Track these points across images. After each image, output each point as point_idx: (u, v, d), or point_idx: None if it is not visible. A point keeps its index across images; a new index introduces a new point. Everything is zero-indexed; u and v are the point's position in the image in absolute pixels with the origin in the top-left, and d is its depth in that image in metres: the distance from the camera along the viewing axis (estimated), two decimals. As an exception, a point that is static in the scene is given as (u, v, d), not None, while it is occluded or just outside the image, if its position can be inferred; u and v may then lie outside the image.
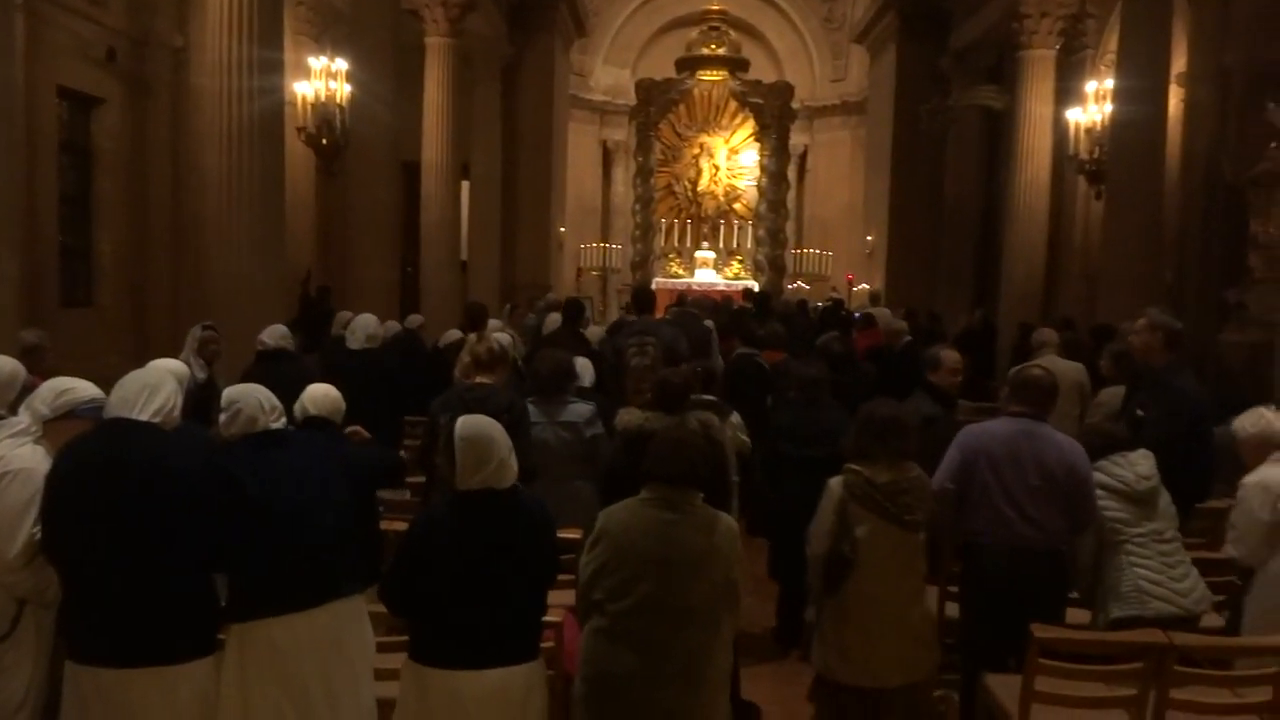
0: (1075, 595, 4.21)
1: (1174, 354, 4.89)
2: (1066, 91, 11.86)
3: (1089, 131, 10.90)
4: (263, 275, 7.29)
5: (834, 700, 3.72)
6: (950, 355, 5.22)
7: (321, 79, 10.56)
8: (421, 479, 4.91)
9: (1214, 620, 4.16)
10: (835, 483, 3.66)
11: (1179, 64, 9.66)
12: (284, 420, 3.22)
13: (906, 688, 3.66)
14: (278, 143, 7.61)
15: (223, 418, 3.15)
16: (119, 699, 2.81)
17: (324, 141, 10.62)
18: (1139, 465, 3.97)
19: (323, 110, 10.53)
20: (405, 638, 3.04)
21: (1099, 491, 3.96)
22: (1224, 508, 4.28)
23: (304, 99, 10.56)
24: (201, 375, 5.79)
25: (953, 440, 4.19)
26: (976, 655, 4.07)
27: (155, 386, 2.96)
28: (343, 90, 10.56)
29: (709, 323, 8.27)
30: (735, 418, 4.98)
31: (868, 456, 3.63)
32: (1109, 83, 10.14)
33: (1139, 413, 4.89)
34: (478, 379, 4.47)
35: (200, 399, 5.43)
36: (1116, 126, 9.27)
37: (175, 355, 5.36)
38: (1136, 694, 3.48)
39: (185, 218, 9.56)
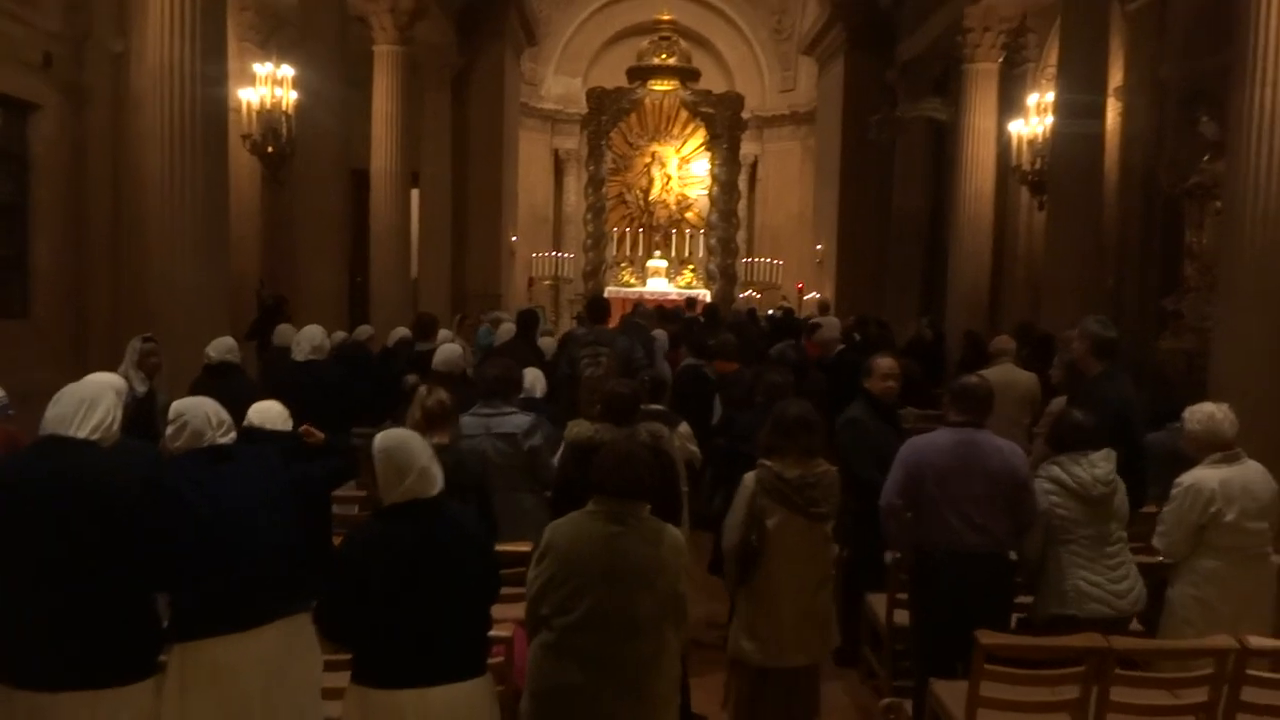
0: (1020, 600, 4.29)
1: (1105, 362, 4.98)
2: (1009, 104, 12.11)
3: (1031, 143, 11.14)
4: (206, 285, 7.17)
5: (745, 681, 3.97)
6: (883, 363, 5.22)
7: (267, 85, 10.42)
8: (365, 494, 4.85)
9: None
10: (749, 477, 3.89)
11: (1117, 78, 9.91)
12: (233, 435, 3.15)
13: (808, 668, 3.99)
14: (221, 150, 7.48)
15: (169, 430, 3.09)
16: None
17: (270, 149, 10.47)
18: (1098, 468, 4.02)
19: (268, 117, 10.38)
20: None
21: (1051, 486, 4.01)
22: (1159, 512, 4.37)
23: (249, 105, 10.41)
24: (142, 389, 5.66)
25: (895, 452, 4.24)
26: (927, 662, 4.11)
27: (93, 402, 2.89)
28: (289, 97, 10.42)
29: (657, 332, 8.29)
30: (684, 427, 5.02)
31: (778, 452, 3.86)
32: (1050, 96, 10.37)
33: None
34: (434, 440, 3.93)
35: (141, 413, 5.32)
36: (1057, 138, 9.47)
37: (115, 368, 5.23)
38: (1078, 697, 3.55)
39: (126, 226, 9.35)
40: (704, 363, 7.47)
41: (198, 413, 3.08)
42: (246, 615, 2.94)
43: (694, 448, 5.04)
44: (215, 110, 7.24)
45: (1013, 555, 4.25)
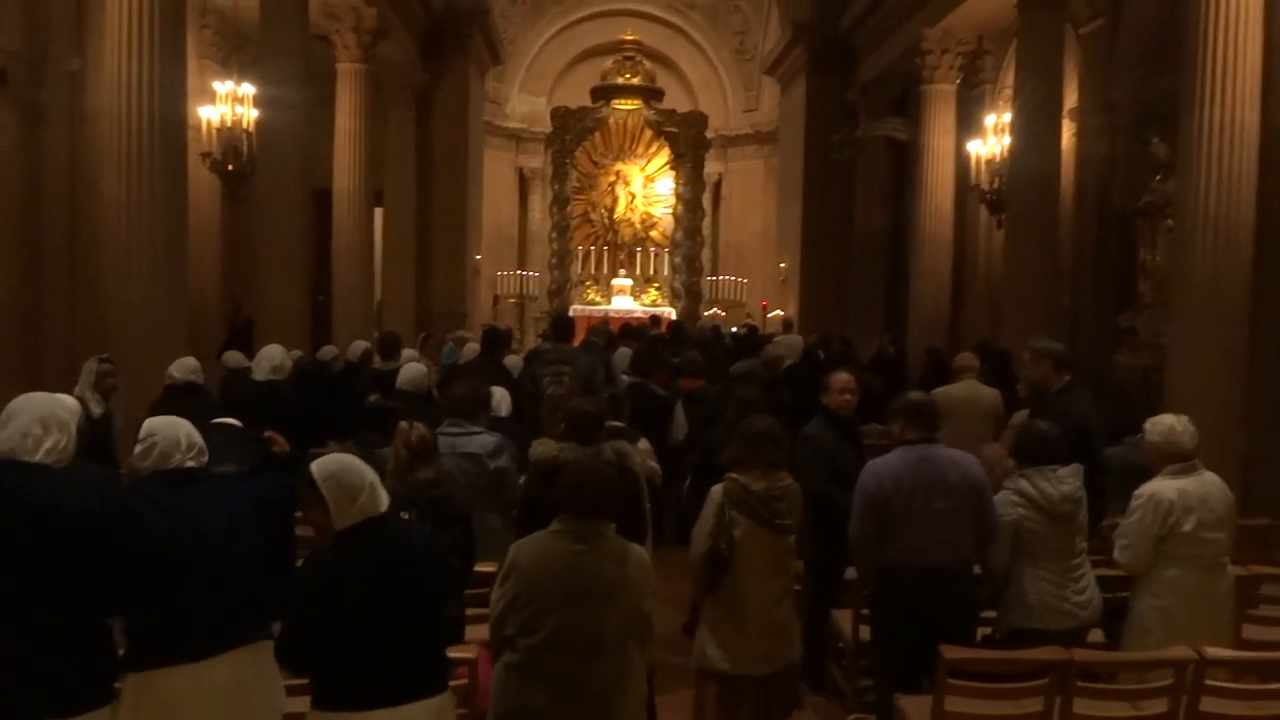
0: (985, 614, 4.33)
1: (1067, 375, 5.07)
2: (967, 124, 12.31)
3: (989, 163, 11.33)
4: (165, 305, 7.08)
5: (714, 688, 4.03)
6: (839, 378, 5.23)
7: (228, 103, 10.31)
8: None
9: (1096, 633, 4.30)
10: (716, 489, 3.97)
11: (1071, 99, 10.12)
12: (203, 459, 3.08)
13: (770, 677, 4.01)
14: (180, 168, 7.41)
15: (138, 449, 3.03)
16: None
17: (230, 167, 10.34)
18: (1065, 484, 4.06)
19: (229, 135, 10.27)
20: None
21: (1018, 499, 4.04)
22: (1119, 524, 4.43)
23: (209, 123, 10.29)
24: (98, 410, 5.57)
25: (854, 465, 4.26)
26: (891, 678, 4.13)
27: (45, 424, 2.83)
28: (250, 115, 10.33)
29: (622, 350, 8.30)
30: (644, 444, 5.08)
31: (744, 465, 3.95)
32: (1007, 116, 10.56)
33: None
34: (420, 474, 3.90)
35: (98, 435, 5.22)
36: (1014, 158, 9.66)
37: (71, 389, 5.14)
38: (1041, 710, 3.58)
39: (83, 246, 9.20)
40: (647, 380, 7.47)
41: (168, 434, 3.02)
42: (202, 645, 2.87)
43: (654, 464, 5.09)
44: (174, 128, 7.17)
45: (977, 569, 4.30)
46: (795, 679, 4.26)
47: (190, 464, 3.01)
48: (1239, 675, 3.82)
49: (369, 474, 2.88)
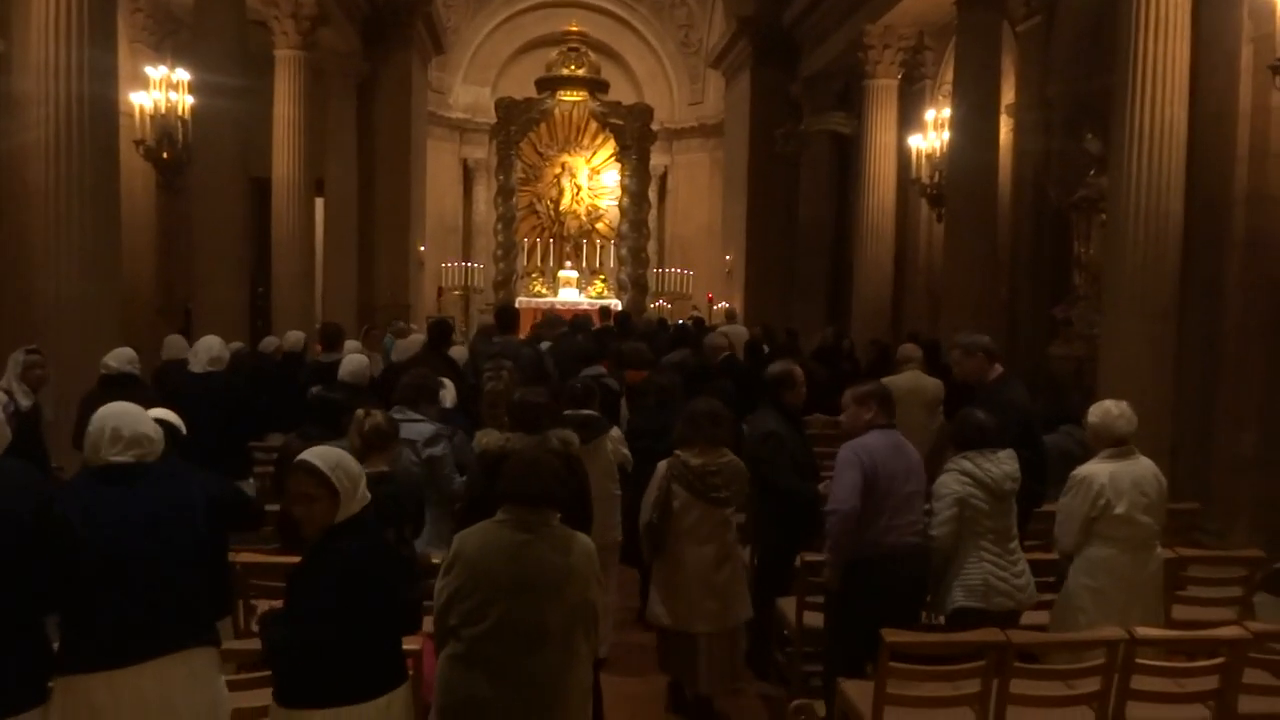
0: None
1: (998, 367, 5.18)
2: (909, 118, 12.49)
3: (929, 157, 11.51)
4: (96, 298, 6.87)
5: (660, 643, 4.64)
6: (797, 372, 5.25)
7: (161, 89, 10.05)
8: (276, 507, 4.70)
9: (1034, 614, 4.39)
10: (662, 465, 4.51)
11: (1009, 95, 10.32)
12: (144, 449, 2.92)
13: (713, 635, 4.50)
14: (112, 155, 7.20)
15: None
16: None
17: (165, 155, 10.09)
18: (1005, 465, 4.17)
19: (163, 122, 10.01)
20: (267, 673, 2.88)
21: (965, 478, 4.11)
22: (1054, 511, 4.54)
23: (142, 110, 10.02)
24: (26, 402, 5.40)
25: (808, 458, 4.30)
26: (845, 663, 4.15)
27: None
28: (184, 102, 10.08)
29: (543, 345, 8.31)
30: (615, 431, 5.17)
31: (687, 443, 4.44)
32: (946, 112, 10.74)
33: None
34: (371, 467, 3.75)
35: (26, 428, 5.07)
36: (953, 153, 9.82)
37: (-4, 383, 4.97)
38: (979, 690, 3.66)
39: (8, 237, 8.90)
40: (602, 372, 7.48)
41: (95, 427, 2.90)
42: (125, 652, 2.78)
43: (625, 451, 5.16)
44: (105, 114, 6.96)
45: None
46: (740, 641, 4.67)
47: (123, 458, 2.87)
48: (1168, 654, 3.95)
49: (357, 466, 2.87)
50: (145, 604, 2.80)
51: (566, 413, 4.97)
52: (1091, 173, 8.85)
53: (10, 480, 2.77)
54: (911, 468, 4.22)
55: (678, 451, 4.47)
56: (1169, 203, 6.55)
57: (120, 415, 2.94)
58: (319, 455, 2.81)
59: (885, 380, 7.09)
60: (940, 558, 4.20)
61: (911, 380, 7.24)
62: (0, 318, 8.86)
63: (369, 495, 2.85)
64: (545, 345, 8.61)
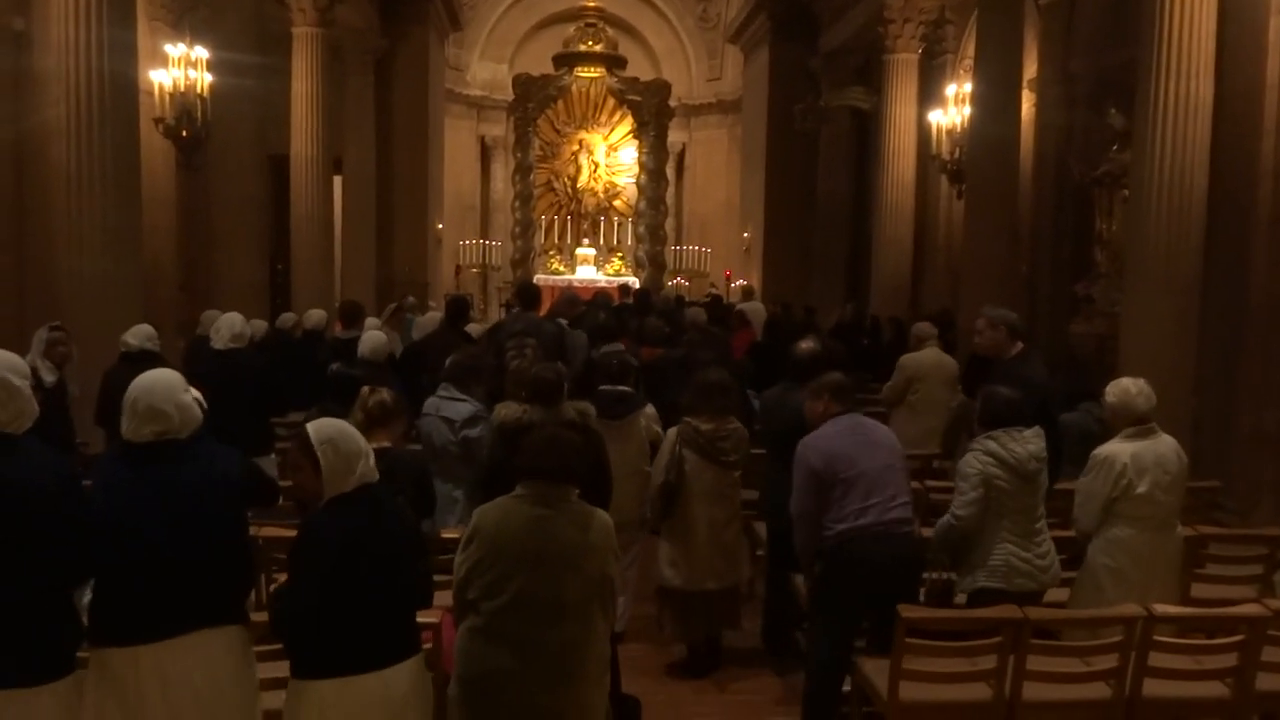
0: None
1: (1020, 343, 5.15)
2: (929, 94, 12.36)
3: (950, 133, 11.39)
4: (118, 277, 6.93)
5: (668, 601, 4.91)
6: (808, 348, 5.28)
7: (180, 67, 10.07)
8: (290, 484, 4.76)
9: (1053, 592, 4.36)
10: (673, 431, 4.82)
11: (1031, 70, 10.19)
12: (173, 424, 2.88)
13: (719, 591, 4.85)
14: (132, 133, 7.23)
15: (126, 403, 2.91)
16: None
17: (184, 133, 10.12)
18: (1031, 444, 4.10)
19: (182, 100, 10.04)
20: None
21: (989, 459, 4.04)
22: (1073, 489, 4.52)
23: (161, 88, 10.05)
24: (50, 378, 5.46)
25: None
26: (833, 642, 4.14)
27: (5, 388, 2.76)
28: (203, 80, 10.10)
29: (562, 321, 8.33)
30: (650, 409, 5.24)
31: (695, 411, 4.80)
32: (968, 86, 10.62)
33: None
34: (374, 444, 3.87)
35: (52, 404, 5.13)
36: (974, 128, 9.72)
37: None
38: (996, 666, 3.67)
39: (31, 213, 8.97)
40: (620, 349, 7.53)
41: (126, 398, 2.88)
42: (150, 629, 2.80)
43: (658, 429, 5.22)
44: (125, 91, 6.99)
45: (924, 531, 4.39)
46: (739, 597, 5.09)
47: (148, 436, 2.87)
48: (1186, 632, 3.94)
49: (364, 442, 2.86)
50: (169, 583, 2.82)
51: (602, 388, 5.12)
52: (1114, 148, 8.75)
53: (34, 455, 2.80)
54: (876, 442, 4.15)
55: (687, 418, 4.80)
56: (1193, 178, 6.47)
57: (149, 389, 2.92)
58: (316, 426, 2.84)
59: (911, 357, 7.15)
60: (959, 535, 4.18)
61: (935, 357, 7.27)
62: (23, 295, 8.97)
63: (373, 473, 2.84)
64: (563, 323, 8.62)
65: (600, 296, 10.22)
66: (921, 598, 4.29)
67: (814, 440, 4.19)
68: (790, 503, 4.23)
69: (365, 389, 4.10)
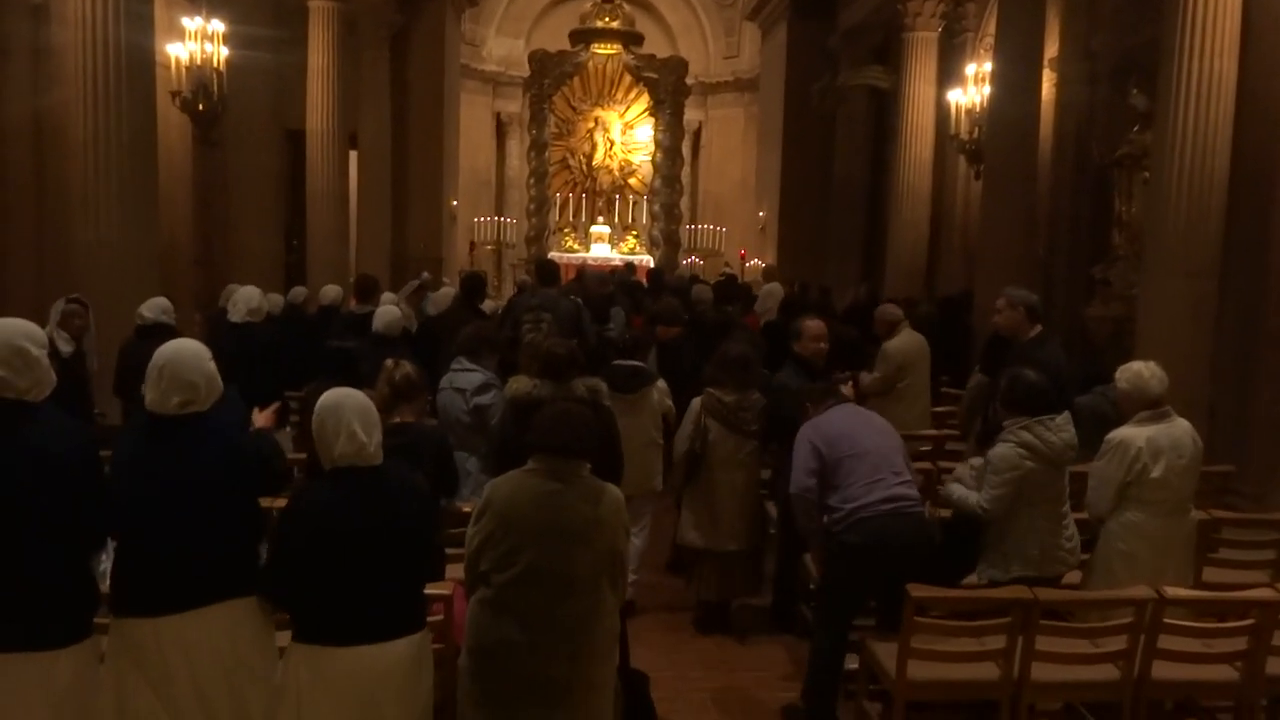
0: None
1: (1038, 326, 5.11)
2: (948, 73, 12.23)
3: (969, 113, 11.27)
4: (135, 246, 6.98)
5: (689, 562, 5.28)
6: (811, 325, 5.33)
7: (196, 41, 10.08)
8: (304, 456, 4.80)
9: (1067, 575, 4.37)
10: (696, 401, 5.10)
11: (1052, 48, 10.07)
12: (195, 395, 2.88)
13: (738, 552, 5.12)
14: (149, 106, 7.26)
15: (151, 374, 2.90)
16: None
17: (201, 107, 10.14)
18: (1065, 432, 4.06)
19: (198, 74, 10.05)
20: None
21: (1025, 451, 3.99)
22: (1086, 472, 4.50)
23: (178, 61, 10.06)
24: (67, 349, 5.51)
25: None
26: (839, 621, 4.18)
27: (23, 354, 2.77)
28: (219, 53, 10.10)
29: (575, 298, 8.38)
30: (662, 383, 5.41)
31: (719, 383, 5.06)
32: (988, 65, 10.50)
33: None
34: (398, 418, 3.97)
35: (69, 375, 5.18)
36: (994, 108, 9.62)
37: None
38: (1004, 646, 3.68)
39: (49, 186, 9.02)
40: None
41: (150, 366, 2.86)
42: (170, 600, 2.84)
43: (669, 402, 5.46)
44: (142, 63, 7.02)
45: (941, 512, 4.39)
46: (760, 559, 5.32)
47: (170, 408, 2.86)
48: (1198, 615, 3.93)
49: (355, 420, 2.82)
50: (192, 555, 2.84)
51: (616, 363, 5.29)
52: (1135, 129, 8.64)
53: (52, 423, 2.83)
54: (878, 427, 4.26)
55: (710, 389, 5.06)
56: (1215, 159, 6.39)
57: (176, 358, 2.91)
58: (324, 397, 2.87)
59: (896, 344, 6.97)
60: (982, 520, 4.15)
61: (916, 342, 7.13)
62: (42, 266, 9.04)
63: (364, 451, 2.82)
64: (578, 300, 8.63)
65: (620, 275, 10.20)
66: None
67: (816, 423, 4.26)
68: (790, 482, 4.25)
69: (389, 362, 4.12)
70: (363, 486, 2.82)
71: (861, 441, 4.11)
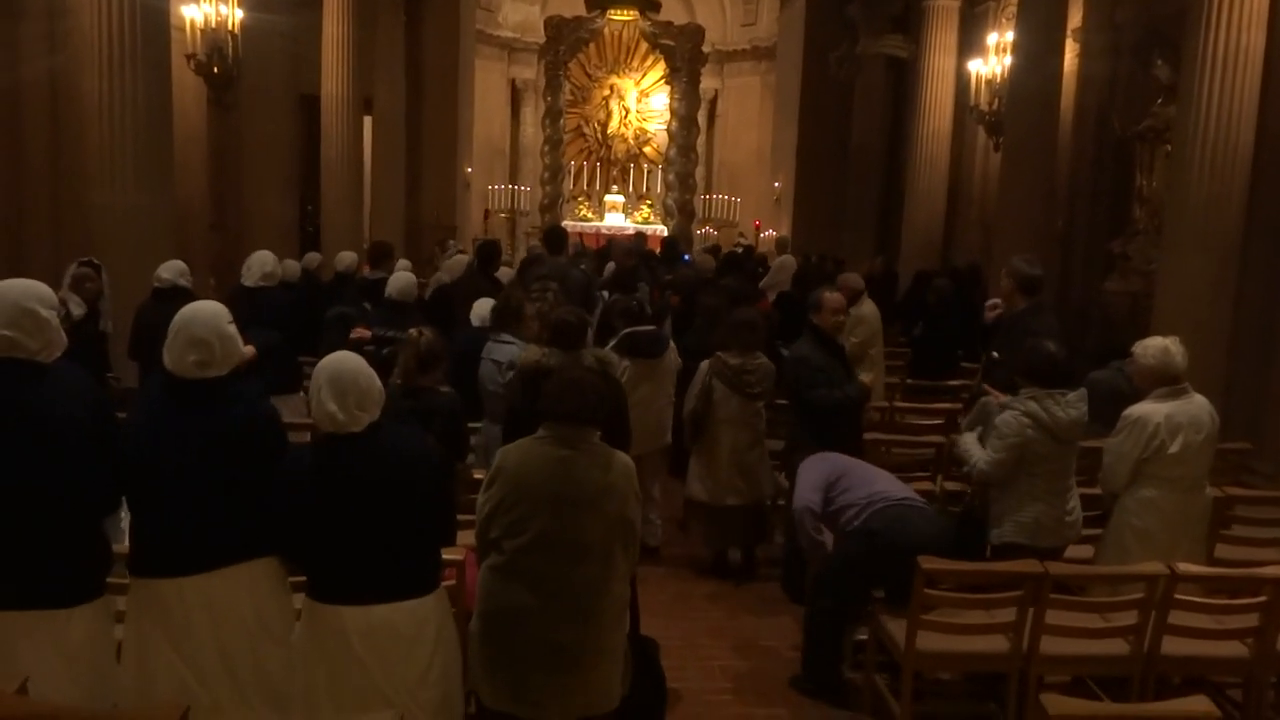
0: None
1: (1031, 298, 5.13)
2: (969, 43, 12.07)
3: (989, 83, 11.13)
4: (150, 212, 6.98)
5: (696, 515, 5.64)
6: (831, 299, 5.31)
7: (212, 3, 10.01)
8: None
9: (1075, 549, 4.36)
10: (704, 364, 5.42)
11: (1075, 19, 9.91)
12: (199, 355, 2.85)
13: (741, 507, 5.43)
14: (163, 68, 7.23)
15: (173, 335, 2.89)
16: (3, 642, 2.71)
17: (215, 70, 10.08)
18: (1073, 410, 4.06)
19: (213, 36, 9.99)
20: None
21: (1029, 422, 4.01)
22: (1099, 447, 4.48)
23: (192, 23, 9.99)
24: (78, 311, 5.53)
25: (842, 378, 4.37)
26: (841, 607, 4.21)
27: (32, 315, 2.77)
28: (234, 16, 10.03)
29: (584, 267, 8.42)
30: (671, 344, 5.77)
31: (726, 347, 5.37)
32: (1009, 35, 10.35)
33: (994, 355, 5.15)
34: (422, 381, 4.10)
35: (82, 337, 5.20)
36: (1015, 79, 9.49)
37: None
38: (1014, 620, 3.68)
39: (65, 149, 9.02)
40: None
41: (172, 325, 2.85)
42: (189, 561, 2.84)
43: (678, 360, 5.74)
44: (156, 23, 6.97)
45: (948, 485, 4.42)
46: (765, 514, 5.64)
47: (188, 369, 2.84)
48: (1210, 592, 3.92)
49: (356, 385, 2.82)
50: (208, 516, 2.85)
51: (635, 329, 5.50)
52: (1159, 101, 8.53)
53: (64, 382, 2.83)
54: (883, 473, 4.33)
55: (718, 353, 5.33)
56: (1239, 133, 6.29)
57: (192, 318, 2.90)
58: (324, 360, 2.89)
59: (859, 312, 6.95)
60: (984, 480, 4.17)
61: (875, 310, 7.27)
62: (58, 230, 9.06)
63: (353, 424, 2.82)
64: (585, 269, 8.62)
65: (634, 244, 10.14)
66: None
67: (830, 454, 4.40)
68: (794, 498, 4.32)
69: (413, 332, 4.18)
70: (362, 447, 2.83)
71: (871, 469, 4.30)
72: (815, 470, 4.26)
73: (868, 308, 7.19)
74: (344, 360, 2.91)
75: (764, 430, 5.53)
